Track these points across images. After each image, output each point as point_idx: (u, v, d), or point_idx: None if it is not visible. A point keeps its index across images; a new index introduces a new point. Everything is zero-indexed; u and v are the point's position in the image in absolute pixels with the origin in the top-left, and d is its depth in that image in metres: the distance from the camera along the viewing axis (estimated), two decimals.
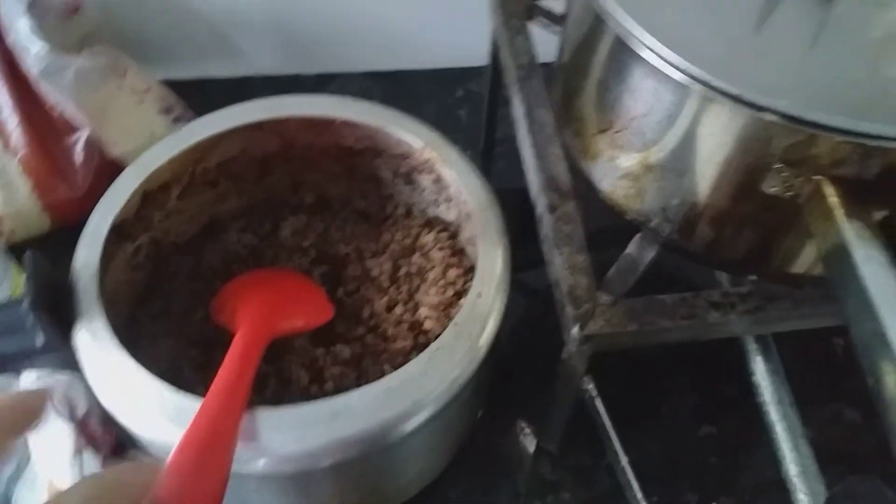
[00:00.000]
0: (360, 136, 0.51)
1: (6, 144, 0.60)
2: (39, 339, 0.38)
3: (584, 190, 0.44)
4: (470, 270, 0.50)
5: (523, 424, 0.53)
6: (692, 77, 0.32)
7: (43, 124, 0.60)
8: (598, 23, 0.37)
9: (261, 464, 0.37)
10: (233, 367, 0.38)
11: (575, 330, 0.39)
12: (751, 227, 0.37)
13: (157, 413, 0.37)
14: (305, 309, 0.49)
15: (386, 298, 0.52)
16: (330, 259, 0.55)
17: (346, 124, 0.50)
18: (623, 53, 0.36)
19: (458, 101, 0.75)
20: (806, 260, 0.38)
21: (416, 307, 0.51)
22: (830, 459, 0.43)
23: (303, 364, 0.48)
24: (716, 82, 0.32)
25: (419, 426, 0.38)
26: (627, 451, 0.48)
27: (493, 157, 0.70)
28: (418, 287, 0.52)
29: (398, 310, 0.51)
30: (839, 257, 0.31)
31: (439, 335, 0.40)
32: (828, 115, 0.31)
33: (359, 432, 0.37)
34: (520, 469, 0.52)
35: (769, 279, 0.40)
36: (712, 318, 0.39)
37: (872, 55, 0.35)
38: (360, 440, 0.37)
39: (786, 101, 0.31)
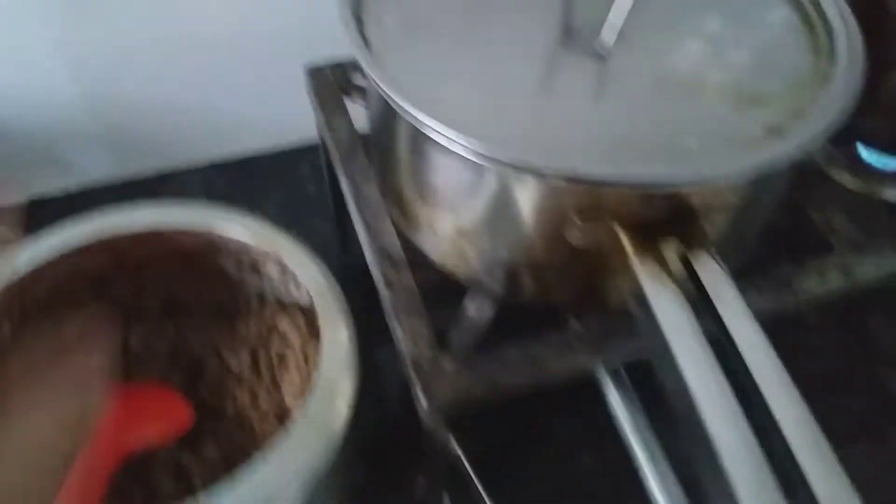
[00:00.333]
0: (193, 240, 0.51)
1: None
2: None
3: (421, 257, 0.46)
4: None
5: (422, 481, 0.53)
6: (478, 153, 0.34)
7: None
8: (387, 106, 0.39)
9: None
10: (70, 496, 0.36)
11: (424, 402, 0.39)
12: (570, 276, 0.39)
13: None
14: (158, 422, 0.48)
15: (248, 390, 0.51)
16: (187, 360, 0.54)
17: (177, 232, 0.50)
18: (415, 135, 0.37)
19: (305, 178, 0.75)
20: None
21: (280, 394, 0.51)
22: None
23: (169, 471, 0.47)
24: (500, 156, 0.33)
25: None
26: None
27: (348, 226, 0.71)
28: (281, 374, 0.52)
29: (262, 400, 0.51)
30: (636, 295, 0.33)
31: None
32: (606, 170, 0.33)
33: None
34: None
35: (605, 316, 0.42)
36: (556, 367, 0.41)
37: (646, 103, 0.37)
38: None
39: (566, 164, 0.33)
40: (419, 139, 0.37)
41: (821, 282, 0.44)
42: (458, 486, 0.49)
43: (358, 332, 0.45)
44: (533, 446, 0.56)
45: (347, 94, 0.55)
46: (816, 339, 0.59)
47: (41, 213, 0.60)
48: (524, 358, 0.41)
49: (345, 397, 0.42)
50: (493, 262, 0.40)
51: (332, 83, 0.55)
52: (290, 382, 0.50)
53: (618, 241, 0.35)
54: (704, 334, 0.31)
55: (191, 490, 0.46)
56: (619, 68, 0.39)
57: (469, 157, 0.34)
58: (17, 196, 0.69)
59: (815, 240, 0.47)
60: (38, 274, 0.48)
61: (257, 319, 0.55)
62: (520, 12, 0.43)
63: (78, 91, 0.67)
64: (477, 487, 0.45)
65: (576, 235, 0.36)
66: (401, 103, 0.35)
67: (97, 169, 0.73)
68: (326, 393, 0.42)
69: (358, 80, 0.54)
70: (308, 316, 0.53)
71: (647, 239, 0.34)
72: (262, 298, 0.56)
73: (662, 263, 0.33)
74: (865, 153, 0.56)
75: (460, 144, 0.34)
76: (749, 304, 0.39)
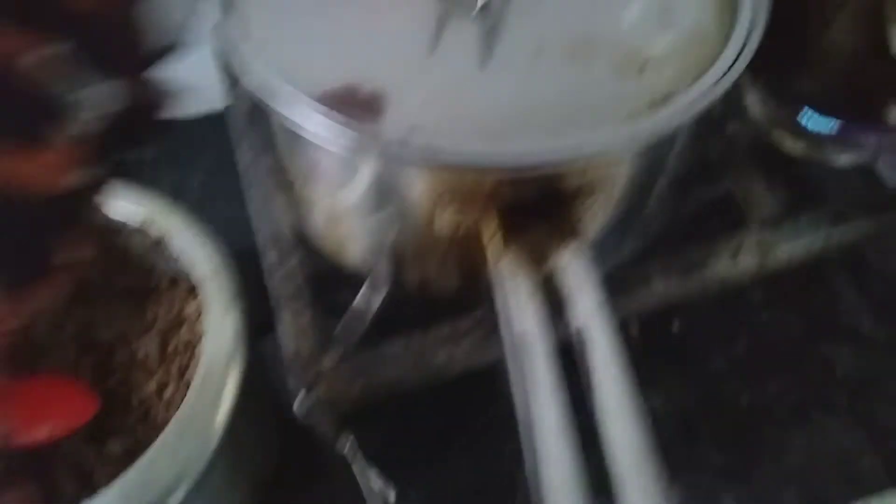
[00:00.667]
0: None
1: None
2: None
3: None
4: None
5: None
6: (324, 138, 0.31)
7: None
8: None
9: None
10: None
11: (300, 396, 0.37)
12: (449, 266, 0.37)
13: None
14: (54, 412, 0.46)
15: (155, 381, 0.49)
16: (97, 348, 0.51)
17: None
18: (277, 120, 0.34)
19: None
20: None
21: (188, 387, 0.48)
22: None
23: (70, 470, 0.45)
24: (355, 142, 0.30)
25: None
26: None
27: None
28: (188, 363, 0.49)
29: (169, 392, 0.48)
30: (498, 284, 0.31)
31: None
32: (465, 153, 0.30)
33: None
34: None
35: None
36: (441, 359, 0.38)
37: (528, 73, 0.34)
38: None
39: (424, 149, 0.30)
40: (281, 125, 0.34)
41: (733, 263, 0.41)
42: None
43: (252, 319, 0.43)
44: (454, 435, 0.54)
45: None
46: (761, 316, 0.56)
47: None
48: (405, 352, 0.38)
49: (230, 387, 0.40)
50: (368, 250, 0.38)
51: None
52: (196, 372, 0.48)
53: (484, 228, 0.32)
54: (558, 335, 0.28)
55: (93, 490, 0.44)
56: (502, 32, 0.35)
57: (315, 142, 0.31)
58: None
59: (736, 216, 0.44)
60: None
61: (167, 304, 0.52)
62: None
63: None
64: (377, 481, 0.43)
65: (443, 224, 0.34)
66: (250, 87, 0.32)
67: None
68: (208, 384, 0.40)
69: None
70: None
71: (513, 228, 0.31)
72: (174, 280, 0.54)
73: (524, 257, 0.31)
74: (807, 116, 0.52)
75: (302, 128, 0.31)
76: (653, 290, 0.37)
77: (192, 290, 0.52)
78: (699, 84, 0.33)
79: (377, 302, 0.41)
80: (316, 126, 0.30)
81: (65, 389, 0.48)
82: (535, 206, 0.31)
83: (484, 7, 0.35)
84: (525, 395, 0.26)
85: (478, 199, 0.32)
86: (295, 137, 0.34)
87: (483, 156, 0.29)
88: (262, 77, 0.32)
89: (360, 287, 0.41)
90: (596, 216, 0.34)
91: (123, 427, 0.47)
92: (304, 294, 0.40)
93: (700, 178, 0.46)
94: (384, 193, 0.33)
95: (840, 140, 0.52)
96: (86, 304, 0.53)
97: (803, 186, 0.53)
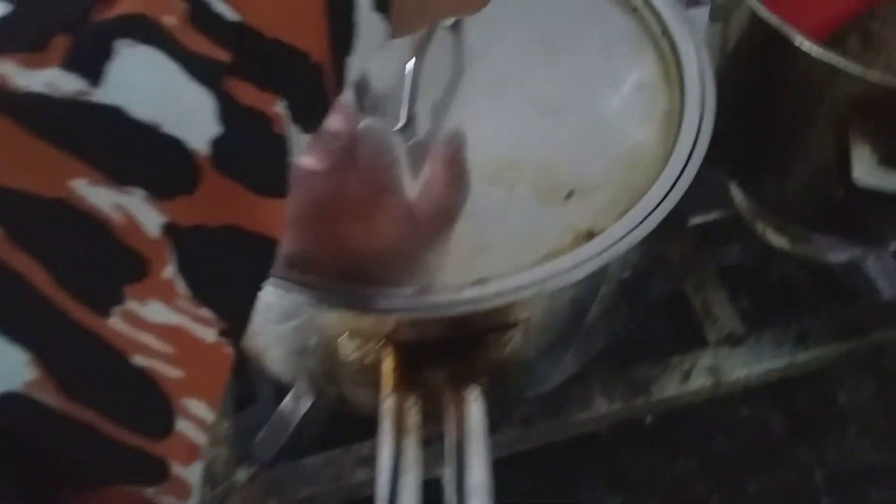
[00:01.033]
0: None
1: None
2: None
3: None
4: None
5: None
6: None
7: None
8: None
9: None
10: None
11: None
12: (361, 389, 0.35)
13: None
14: None
15: None
16: None
17: None
18: None
19: None
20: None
21: None
22: None
23: None
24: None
25: None
26: None
27: None
28: None
29: None
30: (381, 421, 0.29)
31: None
32: (357, 297, 0.28)
33: None
34: None
35: None
36: (358, 479, 0.36)
37: None
38: None
39: (321, 289, 0.28)
40: None
41: (683, 384, 0.38)
42: None
43: None
44: None
45: None
46: (737, 416, 0.53)
47: None
48: (330, 467, 0.37)
49: None
50: (298, 372, 0.36)
51: None
52: None
53: (383, 361, 0.31)
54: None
55: None
56: (424, 149, 0.33)
57: None
58: None
59: (691, 326, 0.41)
60: None
61: None
62: None
63: None
64: None
65: (347, 352, 0.32)
66: None
67: None
68: None
69: None
70: None
71: (410, 367, 0.30)
72: None
73: (412, 398, 0.29)
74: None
75: None
76: (594, 410, 0.35)
77: None
78: (628, 218, 0.30)
79: (305, 406, 0.39)
80: None
81: None
82: (435, 346, 0.30)
83: (407, 123, 0.33)
84: None
85: (378, 335, 0.30)
86: None
87: (372, 300, 0.28)
88: None
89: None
90: (518, 347, 0.32)
91: None
92: (225, 403, 0.39)
93: (655, 277, 0.43)
94: (287, 317, 0.32)
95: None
96: None
97: (771, 293, 0.49)
